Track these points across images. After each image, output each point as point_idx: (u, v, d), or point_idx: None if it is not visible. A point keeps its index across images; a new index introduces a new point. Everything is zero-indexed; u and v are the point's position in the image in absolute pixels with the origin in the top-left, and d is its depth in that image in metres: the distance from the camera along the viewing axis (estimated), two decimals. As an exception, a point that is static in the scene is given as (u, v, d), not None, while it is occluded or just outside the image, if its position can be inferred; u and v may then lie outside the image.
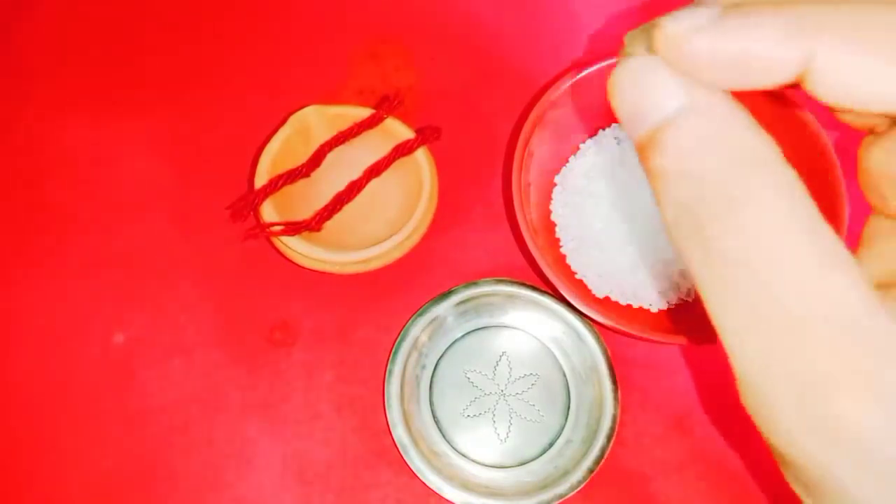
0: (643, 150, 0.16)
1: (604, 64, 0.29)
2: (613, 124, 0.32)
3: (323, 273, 0.30)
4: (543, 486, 0.29)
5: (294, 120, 0.31)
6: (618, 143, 0.31)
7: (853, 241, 0.19)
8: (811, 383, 0.14)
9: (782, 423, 0.15)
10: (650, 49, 0.16)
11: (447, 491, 0.28)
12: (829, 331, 0.14)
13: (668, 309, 0.31)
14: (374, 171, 0.32)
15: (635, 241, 0.30)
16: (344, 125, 0.32)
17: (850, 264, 0.14)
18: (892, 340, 0.14)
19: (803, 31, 0.14)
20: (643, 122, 0.16)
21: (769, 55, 0.14)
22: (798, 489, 0.17)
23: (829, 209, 0.26)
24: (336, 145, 0.32)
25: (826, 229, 0.14)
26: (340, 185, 0.32)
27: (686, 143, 0.15)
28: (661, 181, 0.15)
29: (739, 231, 0.14)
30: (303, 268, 0.31)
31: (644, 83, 0.16)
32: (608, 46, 0.33)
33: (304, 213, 0.31)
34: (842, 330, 0.14)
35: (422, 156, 0.31)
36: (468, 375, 0.31)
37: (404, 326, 0.31)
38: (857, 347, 0.14)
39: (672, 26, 0.15)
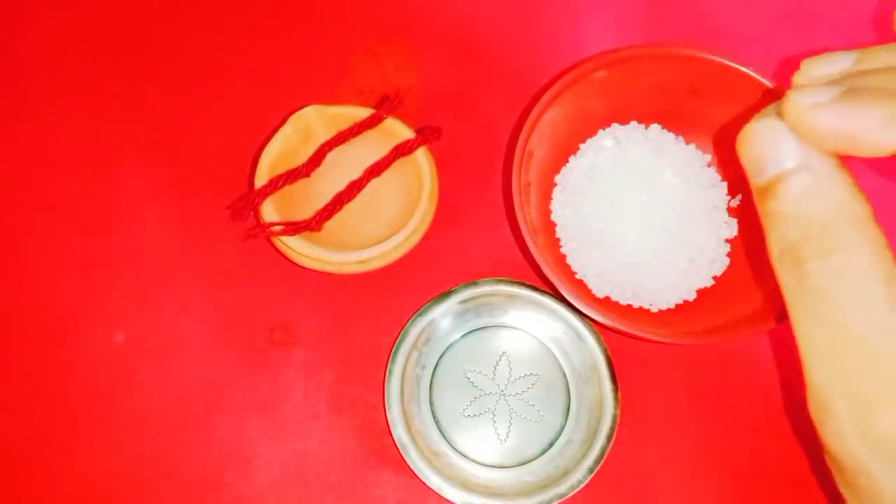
0: (761, 194, 0.20)
1: (604, 63, 0.29)
2: (613, 124, 0.32)
3: (323, 273, 0.30)
4: (544, 486, 0.29)
5: (294, 120, 0.31)
6: (617, 144, 0.32)
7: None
8: (867, 401, 0.18)
9: (845, 436, 0.18)
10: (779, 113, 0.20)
11: (447, 491, 0.28)
12: (887, 361, 0.17)
13: (668, 309, 0.31)
14: (374, 171, 0.32)
15: (635, 241, 0.30)
16: (344, 125, 0.32)
17: None
18: None
19: None
20: (765, 171, 0.20)
21: (872, 136, 0.18)
22: (845, 492, 0.20)
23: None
24: (336, 145, 0.32)
25: None
26: (340, 185, 0.32)
27: (797, 193, 0.19)
28: (772, 221, 0.20)
29: (831, 271, 0.18)
30: (303, 268, 0.31)
31: (771, 140, 0.19)
32: (608, 47, 0.33)
33: (304, 213, 0.31)
34: None
35: (422, 156, 0.31)
36: (468, 375, 0.31)
37: (404, 326, 0.31)
38: None
39: (798, 100, 0.19)
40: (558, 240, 0.32)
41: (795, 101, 0.19)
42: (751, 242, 0.31)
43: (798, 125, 0.19)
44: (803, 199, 0.19)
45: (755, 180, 0.20)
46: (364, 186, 0.32)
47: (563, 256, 0.31)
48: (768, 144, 0.20)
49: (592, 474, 0.29)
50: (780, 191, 0.19)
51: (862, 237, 0.18)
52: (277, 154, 0.31)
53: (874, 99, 0.18)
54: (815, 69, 0.21)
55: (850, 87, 0.19)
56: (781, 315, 0.27)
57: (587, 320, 0.30)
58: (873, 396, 0.18)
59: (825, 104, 0.19)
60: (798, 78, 0.22)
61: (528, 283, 0.31)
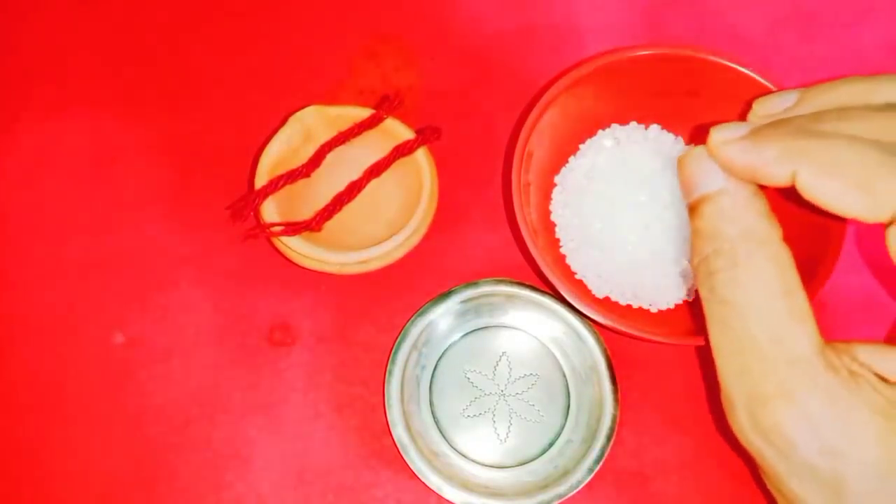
0: (690, 212, 0.23)
1: (603, 64, 0.29)
2: (613, 124, 0.32)
3: (323, 273, 0.30)
4: (543, 486, 0.29)
5: (294, 120, 0.31)
6: (617, 144, 0.32)
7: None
8: (758, 397, 0.20)
9: (742, 426, 0.21)
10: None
11: (447, 491, 0.28)
12: (783, 363, 0.20)
13: (668, 309, 0.31)
14: (374, 171, 0.32)
15: (635, 241, 0.30)
16: (344, 125, 0.32)
17: (809, 321, 0.20)
18: (819, 379, 0.20)
19: (790, 158, 0.20)
20: (693, 191, 0.23)
21: (768, 170, 0.21)
22: (762, 475, 0.23)
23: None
24: (336, 145, 0.32)
25: (800, 292, 0.21)
26: (340, 185, 0.32)
27: (714, 213, 0.22)
28: (695, 236, 0.22)
29: (736, 283, 0.21)
30: (303, 268, 0.31)
31: (699, 166, 0.22)
32: (607, 47, 0.33)
33: (304, 213, 0.31)
34: (790, 364, 0.20)
35: (422, 156, 0.31)
36: (468, 375, 0.31)
37: (404, 326, 0.31)
38: (797, 378, 0.20)
39: (715, 135, 0.22)
40: (558, 240, 0.32)
41: (714, 136, 0.22)
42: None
43: (715, 156, 0.22)
44: (719, 218, 0.22)
45: (685, 199, 0.23)
46: (364, 187, 0.32)
47: (563, 256, 0.31)
48: (697, 170, 0.22)
49: (592, 474, 0.29)
50: (702, 209, 0.22)
51: (766, 254, 0.21)
52: (277, 154, 0.31)
53: (772, 138, 0.21)
54: (763, 108, 0.24)
55: (757, 127, 0.22)
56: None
57: (587, 320, 0.30)
58: (763, 393, 0.20)
59: (734, 140, 0.21)
60: (751, 116, 0.25)
61: (528, 283, 0.31)
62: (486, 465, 0.30)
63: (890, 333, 0.32)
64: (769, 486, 0.23)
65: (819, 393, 0.20)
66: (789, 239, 0.21)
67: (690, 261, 0.23)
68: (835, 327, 0.32)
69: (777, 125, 0.22)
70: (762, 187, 0.22)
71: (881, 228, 0.20)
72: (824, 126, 0.21)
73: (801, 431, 0.20)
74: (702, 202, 0.22)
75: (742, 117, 0.30)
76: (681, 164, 0.23)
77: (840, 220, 0.27)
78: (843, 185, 0.20)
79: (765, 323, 0.20)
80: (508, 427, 0.30)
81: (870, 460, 0.19)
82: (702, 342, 0.30)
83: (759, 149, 0.21)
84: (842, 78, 0.23)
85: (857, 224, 0.24)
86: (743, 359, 0.21)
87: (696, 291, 0.31)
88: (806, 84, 0.24)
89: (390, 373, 0.30)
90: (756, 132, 0.22)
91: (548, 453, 0.30)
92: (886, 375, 0.21)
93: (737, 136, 0.22)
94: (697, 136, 0.32)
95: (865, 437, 0.20)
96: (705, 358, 0.32)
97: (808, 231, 0.28)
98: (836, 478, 0.20)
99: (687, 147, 0.24)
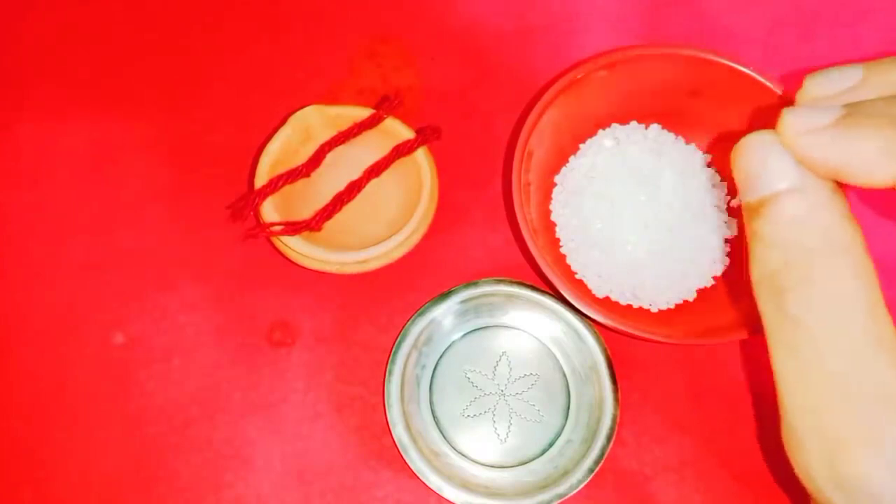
0: (750, 212, 0.19)
1: (604, 64, 0.29)
2: (613, 124, 0.32)
3: (323, 273, 0.30)
4: (543, 486, 0.29)
5: (294, 120, 0.31)
6: (617, 144, 0.32)
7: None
8: (837, 441, 0.17)
9: (813, 472, 0.18)
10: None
11: (447, 491, 0.28)
12: (870, 402, 0.16)
13: (668, 309, 0.31)
14: (374, 171, 0.32)
15: (635, 241, 0.30)
16: (344, 125, 0.32)
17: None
18: None
19: None
20: (756, 189, 0.18)
21: (867, 168, 0.17)
22: None
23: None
24: (336, 145, 0.32)
25: (884, 316, 0.17)
26: (340, 185, 0.32)
27: (787, 217, 0.18)
28: (757, 242, 0.18)
29: (811, 302, 0.17)
30: (303, 268, 0.31)
31: (765, 157, 0.18)
32: (607, 47, 0.33)
33: (304, 213, 0.31)
34: (875, 401, 0.16)
35: (422, 156, 0.31)
36: (468, 375, 0.31)
37: (404, 326, 0.31)
38: (884, 418, 0.16)
39: (792, 122, 0.18)
40: (558, 240, 0.32)
41: (791, 122, 0.18)
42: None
43: (792, 147, 0.18)
44: (792, 223, 0.18)
45: (745, 197, 0.19)
46: (364, 186, 0.32)
47: (563, 256, 0.31)
48: (762, 161, 0.18)
49: (592, 474, 0.29)
50: (769, 212, 0.18)
51: (849, 269, 0.17)
52: (277, 154, 0.31)
53: (873, 126, 0.17)
54: (819, 86, 0.20)
55: (850, 110, 0.18)
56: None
57: (587, 320, 0.30)
58: (843, 437, 0.17)
59: (821, 129, 0.18)
60: (801, 97, 0.20)
61: (528, 283, 0.31)
62: (486, 465, 0.30)
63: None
64: None
65: None
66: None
67: (751, 272, 0.19)
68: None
69: (859, 109, 0.18)
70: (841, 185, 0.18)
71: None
72: None
73: (891, 486, 0.16)
74: (768, 202, 0.18)
75: (742, 117, 0.30)
76: (740, 153, 0.19)
77: None
78: None
79: (847, 353, 0.17)
80: (508, 427, 0.30)
81: None
82: (702, 342, 0.30)
83: (853, 141, 0.17)
84: None
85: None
86: (818, 394, 0.17)
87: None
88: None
89: (390, 373, 0.30)
90: (846, 120, 0.17)
91: (548, 453, 0.30)
92: None
93: (822, 123, 0.18)
94: (716, 140, 0.32)
95: None
96: (705, 358, 0.32)
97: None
98: None
99: (754, 133, 0.19)
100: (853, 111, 0.18)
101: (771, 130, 0.19)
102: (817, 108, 0.18)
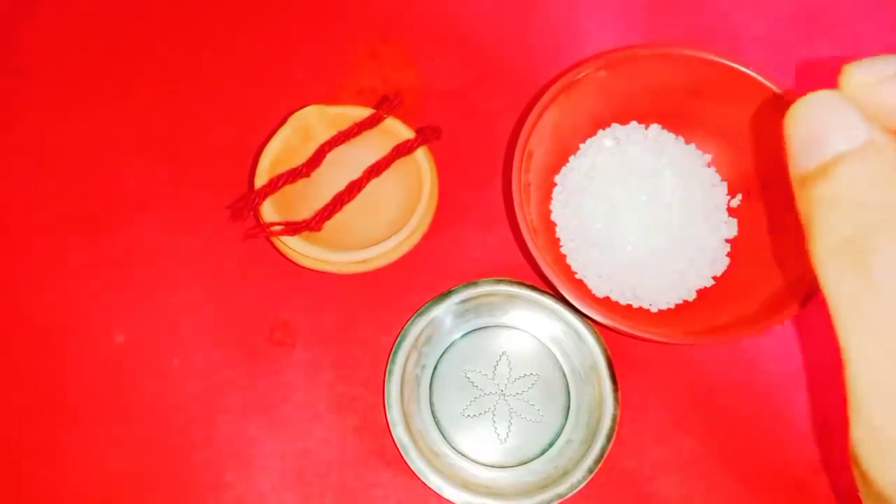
0: (809, 179, 0.17)
1: (604, 64, 0.29)
2: (613, 124, 0.32)
3: (323, 273, 0.30)
4: (543, 486, 0.29)
5: (294, 120, 0.31)
6: (617, 144, 0.32)
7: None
8: None
9: (885, 465, 0.15)
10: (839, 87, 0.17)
11: (447, 491, 0.28)
12: None
13: (668, 309, 0.31)
14: (374, 171, 0.32)
15: (635, 241, 0.30)
16: (344, 125, 0.32)
17: None
18: None
19: None
20: (819, 151, 0.17)
21: None
22: None
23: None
24: (336, 145, 0.32)
25: None
26: (340, 185, 0.32)
27: (863, 175, 0.16)
28: (825, 209, 0.16)
29: None
30: (303, 268, 0.31)
31: (829, 116, 0.17)
32: (608, 47, 0.33)
33: (304, 213, 0.31)
34: None
35: (422, 156, 0.31)
36: (468, 375, 0.31)
37: (404, 326, 0.31)
38: None
39: (860, 74, 0.17)
40: (558, 240, 0.32)
41: (854, 73, 0.17)
42: (751, 242, 0.31)
43: (860, 99, 0.17)
44: (871, 181, 0.16)
45: (805, 163, 0.17)
46: (364, 186, 0.32)
47: (563, 256, 0.31)
48: (826, 121, 0.17)
49: (592, 474, 0.29)
50: (839, 172, 0.16)
51: None
52: (277, 154, 0.31)
53: None
54: (864, 73, 0.18)
55: None
56: (781, 315, 0.27)
57: (587, 320, 0.30)
58: None
59: (889, 77, 0.17)
60: (844, 82, 0.19)
61: (528, 283, 0.31)
62: (487, 465, 0.30)
63: None
64: None
65: None
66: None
67: (816, 245, 0.17)
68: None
69: None
70: None
71: None
72: None
73: None
74: (836, 163, 0.16)
75: (742, 117, 0.30)
76: (798, 115, 0.17)
77: None
78: None
79: None
80: (508, 427, 0.30)
81: None
82: (702, 342, 0.30)
83: None
84: None
85: None
86: None
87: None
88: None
89: (390, 373, 0.30)
90: None
91: (548, 453, 0.30)
92: None
93: (891, 70, 0.17)
94: (716, 140, 0.32)
95: None
96: (705, 358, 0.32)
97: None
98: None
99: (810, 94, 0.18)
100: None
101: (829, 90, 0.17)
102: (881, 57, 0.17)
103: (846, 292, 0.16)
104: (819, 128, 0.17)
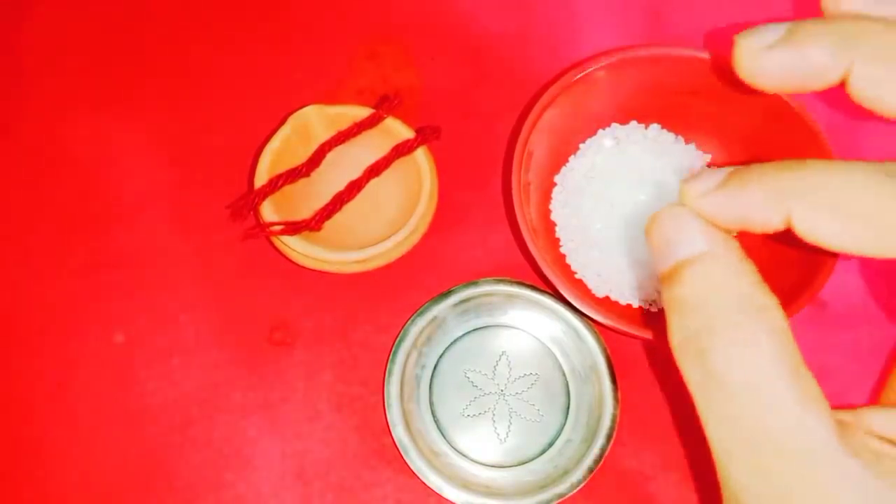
0: (664, 280, 0.19)
1: (603, 64, 0.29)
2: (613, 124, 0.32)
3: (323, 273, 0.30)
4: (543, 486, 0.29)
5: (294, 120, 0.31)
6: (617, 143, 0.32)
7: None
8: (783, 499, 0.17)
9: None
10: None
11: (447, 491, 0.28)
12: (799, 456, 0.17)
13: (668, 309, 0.31)
14: (374, 170, 0.32)
15: (635, 241, 0.30)
16: (344, 125, 0.32)
17: (822, 402, 0.17)
18: (843, 470, 0.16)
19: (781, 198, 0.18)
20: (671, 256, 0.19)
21: (758, 215, 0.19)
22: None
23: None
24: (336, 145, 0.32)
25: (806, 371, 0.17)
26: (340, 185, 0.32)
27: (702, 280, 0.19)
28: (676, 309, 0.19)
29: (737, 365, 0.17)
30: (303, 268, 0.31)
31: (676, 225, 0.19)
32: (607, 47, 0.33)
33: (304, 212, 0.31)
34: (809, 456, 0.17)
35: (422, 156, 0.31)
36: (468, 375, 0.31)
37: (404, 326, 0.31)
38: (818, 472, 0.17)
39: (688, 189, 0.20)
40: (558, 239, 0.32)
41: (687, 191, 0.20)
42: (749, 242, 0.31)
43: (695, 209, 0.19)
44: (709, 286, 0.18)
45: (661, 266, 0.20)
46: (364, 186, 0.32)
47: (563, 256, 0.31)
48: (673, 230, 0.20)
49: (592, 474, 0.29)
50: (684, 277, 0.19)
51: (768, 327, 0.18)
52: (277, 154, 0.31)
53: (753, 180, 0.19)
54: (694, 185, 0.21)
55: (734, 170, 0.19)
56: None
57: (587, 320, 0.30)
58: (792, 494, 0.17)
59: (713, 191, 0.19)
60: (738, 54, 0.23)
61: (528, 283, 0.31)
62: (486, 465, 0.30)
63: (892, 354, 0.32)
64: None
65: (850, 487, 0.16)
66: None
67: (670, 339, 0.19)
68: (835, 327, 0.32)
69: (747, 172, 0.19)
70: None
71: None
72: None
73: None
74: (682, 268, 0.19)
75: (742, 117, 0.30)
76: (653, 225, 0.20)
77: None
78: (844, 224, 0.17)
79: (776, 410, 0.17)
80: (508, 427, 0.30)
81: None
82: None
83: (744, 195, 0.19)
84: None
85: None
86: (760, 456, 0.17)
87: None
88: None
89: (390, 372, 0.30)
90: (735, 175, 0.19)
91: (547, 453, 0.30)
92: None
93: (714, 184, 0.19)
94: (716, 140, 0.32)
95: None
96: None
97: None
98: None
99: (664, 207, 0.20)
100: (736, 170, 0.19)
101: (678, 205, 0.20)
102: (708, 172, 0.20)
103: (696, 382, 0.18)
104: (668, 236, 0.20)
